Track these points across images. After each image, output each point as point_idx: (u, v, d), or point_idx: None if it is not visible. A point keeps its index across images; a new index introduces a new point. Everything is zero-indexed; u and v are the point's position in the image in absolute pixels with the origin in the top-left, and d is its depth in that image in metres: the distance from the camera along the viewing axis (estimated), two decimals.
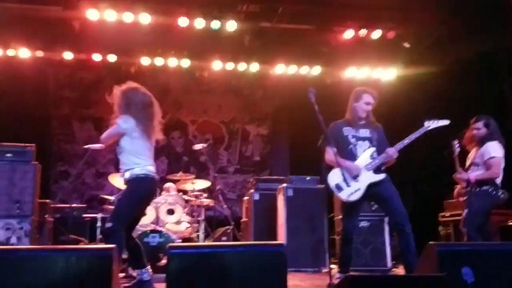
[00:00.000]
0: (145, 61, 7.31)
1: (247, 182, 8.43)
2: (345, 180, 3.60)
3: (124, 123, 3.45)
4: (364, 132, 3.79)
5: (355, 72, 7.76)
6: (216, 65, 7.53)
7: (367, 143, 3.75)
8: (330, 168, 3.74)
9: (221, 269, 2.32)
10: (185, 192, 5.93)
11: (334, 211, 5.59)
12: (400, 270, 5.04)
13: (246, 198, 6.63)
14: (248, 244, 2.75)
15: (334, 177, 3.67)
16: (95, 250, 2.50)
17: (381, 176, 3.67)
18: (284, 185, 5.61)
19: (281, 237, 5.51)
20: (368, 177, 3.65)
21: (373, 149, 3.73)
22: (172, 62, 7.37)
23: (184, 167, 7.68)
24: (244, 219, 6.65)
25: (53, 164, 7.96)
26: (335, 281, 3.47)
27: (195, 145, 6.28)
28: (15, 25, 6.36)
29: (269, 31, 6.67)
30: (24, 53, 6.87)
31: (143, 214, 4.00)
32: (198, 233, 5.65)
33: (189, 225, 5.55)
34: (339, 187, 3.64)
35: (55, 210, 6.30)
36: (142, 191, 3.49)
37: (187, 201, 5.72)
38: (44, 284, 2.32)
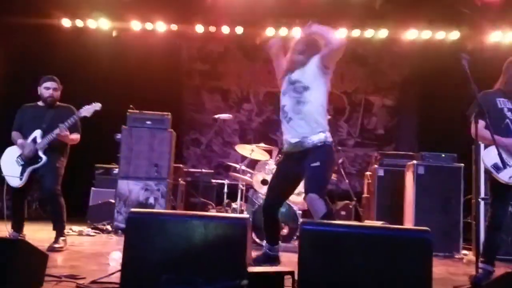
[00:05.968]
0: (270, 31, 7.32)
1: (368, 156, 8.10)
2: (502, 160, 3.16)
3: None
4: None
5: (500, 37, 6.88)
6: (341, 32, 7.25)
7: None
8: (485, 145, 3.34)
9: (357, 251, 2.21)
10: None
11: (472, 193, 5.10)
12: None
13: (368, 173, 6.36)
14: (387, 228, 2.58)
15: (491, 156, 3.25)
16: (232, 219, 2.59)
17: None
18: (414, 162, 5.26)
19: (409, 217, 5.22)
20: None
21: None
22: (296, 31, 7.27)
23: None
24: (365, 195, 6.43)
25: (185, 132, 8.47)
26: (481, 273, 3.14)
27: None
28: None
29: None
30: (160, 26, 7.36)
31: None
32: None
33: None
34: (497, 167, 3.23)
35: (187, 174, 6.79)
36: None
37: None
38: (185, 245, 2.48)
